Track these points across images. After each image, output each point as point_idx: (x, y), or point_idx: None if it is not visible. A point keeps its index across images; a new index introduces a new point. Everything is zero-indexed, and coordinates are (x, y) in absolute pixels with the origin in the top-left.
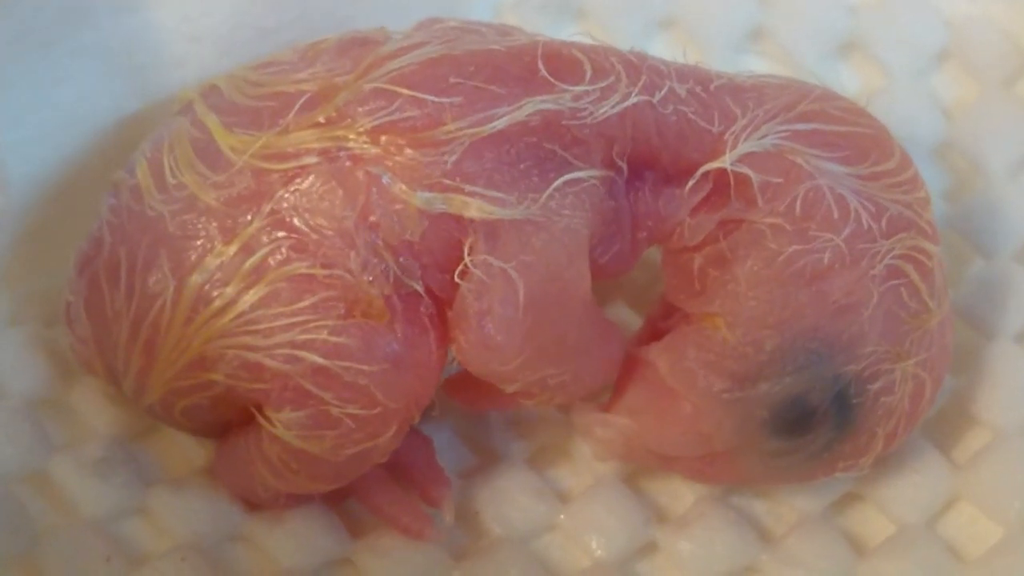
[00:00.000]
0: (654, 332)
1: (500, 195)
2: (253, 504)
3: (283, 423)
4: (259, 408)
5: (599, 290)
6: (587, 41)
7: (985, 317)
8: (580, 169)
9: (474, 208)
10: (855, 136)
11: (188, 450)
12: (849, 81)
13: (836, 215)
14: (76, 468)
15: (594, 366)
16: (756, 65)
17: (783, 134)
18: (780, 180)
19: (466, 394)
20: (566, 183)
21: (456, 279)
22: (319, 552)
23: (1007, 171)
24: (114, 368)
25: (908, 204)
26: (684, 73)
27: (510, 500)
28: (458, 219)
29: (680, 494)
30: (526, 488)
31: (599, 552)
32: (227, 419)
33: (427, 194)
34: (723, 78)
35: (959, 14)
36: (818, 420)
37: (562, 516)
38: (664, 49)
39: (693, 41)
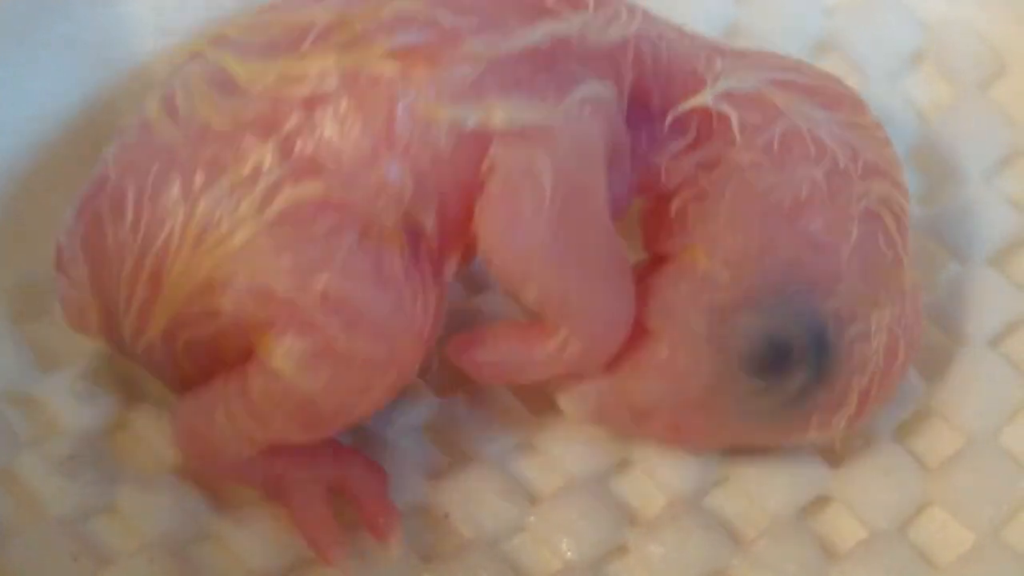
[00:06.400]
0: None
1: (524, 103)
2: (207, 476)
3: (283, 354)
4: (260, 341)
5: None
6: None
7: (959, 321)
8: (598, 82)
9: (500, 116)
10: (833, 90)
11: (157, 448)
12: None
13: (813, 153)
14: (43, 465)
15: (610, 305)
16: None
17: (763, 80)
18: (759, 118)
19: (469, 354)
20: (584, 97)
21: (480, 178)
22: (288, 552)
23: (982, 175)
24: (113, 307)
25: (883, 157)
26: (671, 25)
27: (480, 501)
28: (481, 138)
29: (651, 496)
30: (496, 489)
31: (569, 554)
32: (221, 361)
33: (454, 107)
34: (706, 38)
35: (935, 16)
36: (795, 360)
37: (532, 518)
38: None
39: None
